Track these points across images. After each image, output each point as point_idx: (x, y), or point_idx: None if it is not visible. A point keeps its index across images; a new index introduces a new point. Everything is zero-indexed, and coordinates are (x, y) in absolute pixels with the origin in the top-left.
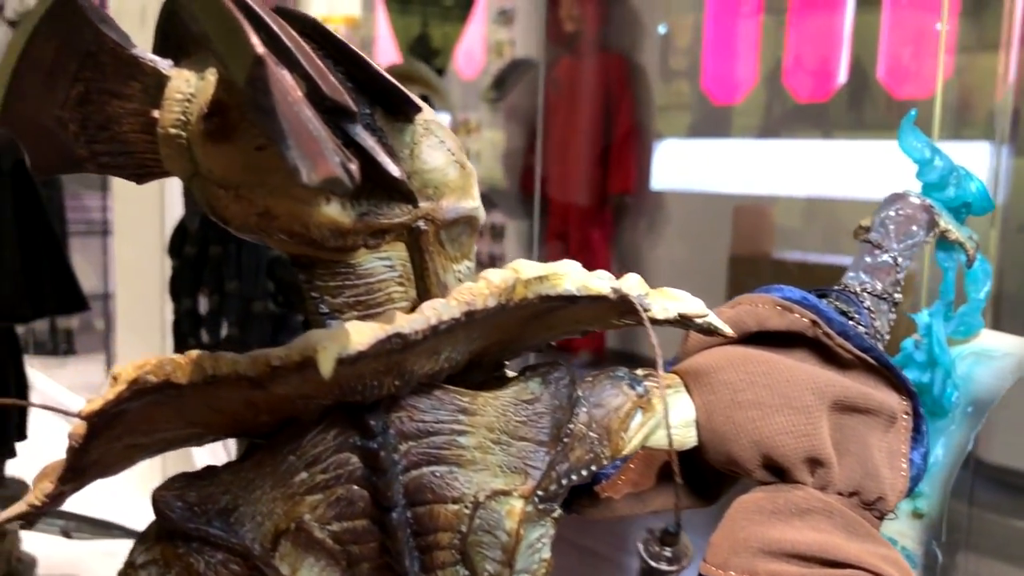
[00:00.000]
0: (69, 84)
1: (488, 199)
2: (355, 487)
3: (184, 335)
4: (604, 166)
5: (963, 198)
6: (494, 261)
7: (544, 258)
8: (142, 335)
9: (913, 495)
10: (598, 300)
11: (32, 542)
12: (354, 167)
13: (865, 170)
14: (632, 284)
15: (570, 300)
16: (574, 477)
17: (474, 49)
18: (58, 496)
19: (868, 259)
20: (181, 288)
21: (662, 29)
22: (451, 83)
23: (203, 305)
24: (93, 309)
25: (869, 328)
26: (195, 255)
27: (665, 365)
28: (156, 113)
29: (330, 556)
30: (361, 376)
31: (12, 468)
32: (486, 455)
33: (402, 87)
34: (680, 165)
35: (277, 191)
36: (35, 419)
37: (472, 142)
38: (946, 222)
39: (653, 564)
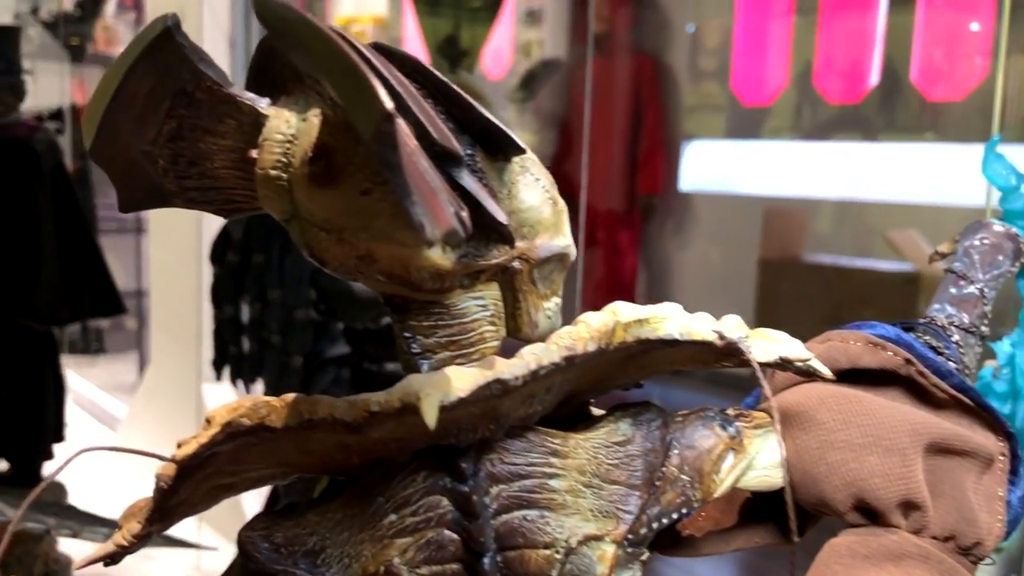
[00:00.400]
0: (162, 120)
1: None
2: (445, 531)
3: (225, 342)
4: (632, 167)
5: None
6: None
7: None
8: (177, 337)
9: None
10: (701, 345)
11: (68, 543)
12: (465, 215)
13: (897, 173)
14: (732, 326)
15: (671, 344)
16: (664, 521)
17: (502, 49)
18: (145, 536)
19: (953, 290)
20: (223, 295)
21: (690, 28)
22: (478, 84)
23: (244, 312)
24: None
25: (959, 363)
26: (238, 263)
27: (747, 407)
28: (253, 153)
29: None
30: (456, 421)
31: (50, 470)
32: (577, 499)
33: (506, 128)
34: (709, 167)
35: (380, 235)
36: (72, 422)
37: None
38: None
39: None
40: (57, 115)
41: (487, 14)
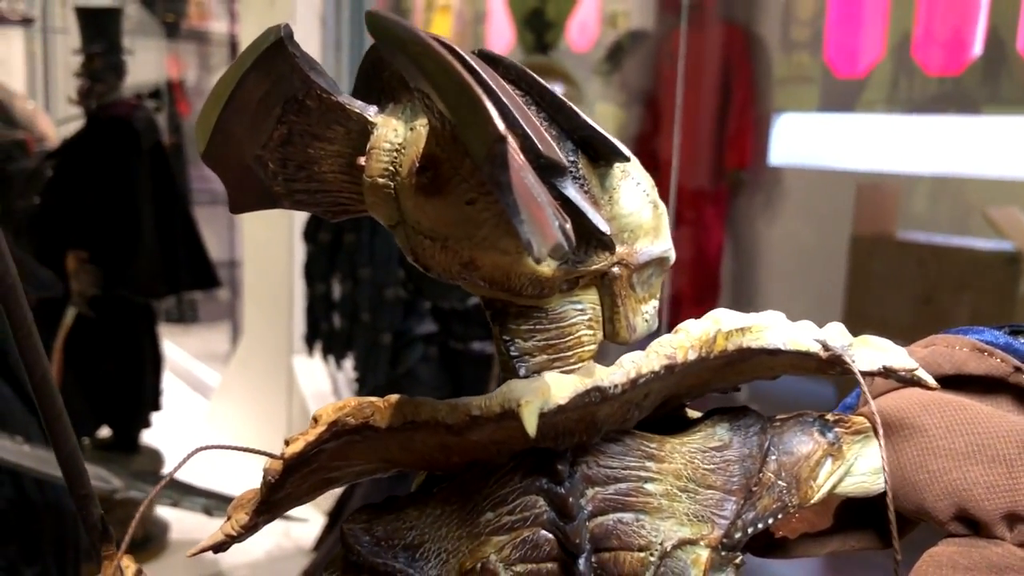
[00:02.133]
0: (272, 126)
1: None
2: (542, 531)
3: (317, 319)
4: (720, 140)
5: None
6: None
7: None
8: (269, 309)
9: None
10: (803, 354)
11: (164, 508)
12: (569, 227)
13: (999, 147)
14: (836, 334)
15: (772, 353)
16: (760, 525)
17: (588, 20)
18: (252, 527)
19: None
20: (315, 273)
21: None
22: (562, 56)
23: (336, 290)
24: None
25: None
26: (330, 241)
27: (846, 409)
28: (361, 160)
29: None
30: (555, 426)
31: (147, 437)
32: (673, 503)
33: (609, 136)
34: (800, 140)
35: (483, 243)
36: (166, 389)
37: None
38: None
39: None
40: (156, 94)
41: None
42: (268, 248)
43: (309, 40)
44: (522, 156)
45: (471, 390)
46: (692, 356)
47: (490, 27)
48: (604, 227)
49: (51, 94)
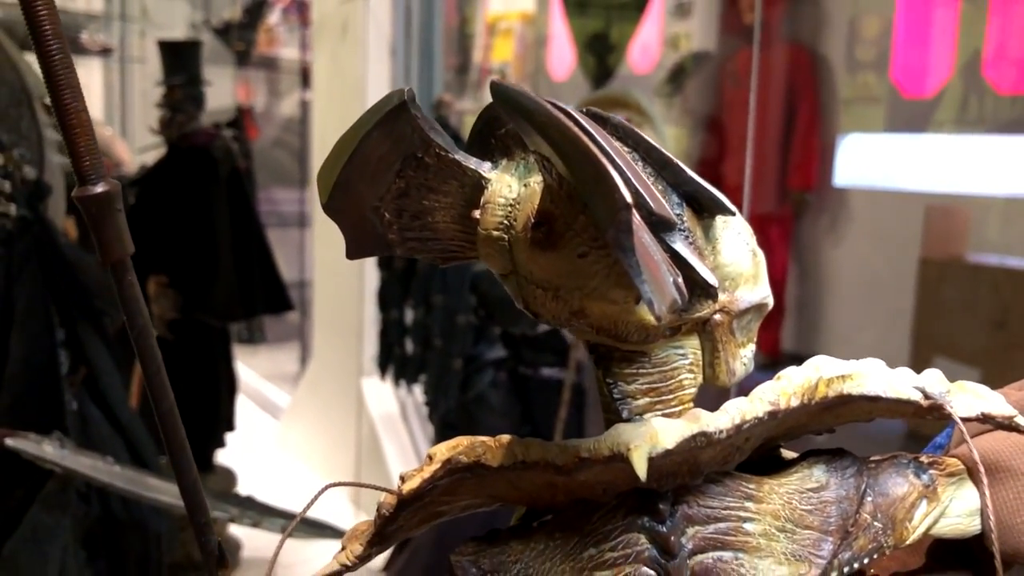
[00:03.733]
0: (391, 180)
1: None
2: (643, 567)
3: (390, 344)
4: (784, 161)
5: None
6: None
7: None
8: (339, 332)
9: None
10: (903, 402)
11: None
12: (680, 281)
13: None
14: (934, 381)
15: (872, 400)
16: (856, 566)
17: (650, 43)
18: (366, 557)
19: None
20: (389, 299)
21: (848, 18)
22: (623, 78)
23: (408, 315)
24: None
25: None
26: (404, 268)
27: (937, 448)
28: (475, 213)
29: None
30: (659, 468)
31: (221, 457)
32: (771, 542)
33: (714, 190)
34: (866, 161)
35: (594, 294)
36: (241, 412)
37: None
38: None
39: None
40: (233, 123)
41: (635, 12)
42: (338, 272)
43: (379, 69)
44: (638, 217)
45: (540, 415)
46: (795, 403)
47: (551, 51)
48: (712, 280)
49: (128, 121)
